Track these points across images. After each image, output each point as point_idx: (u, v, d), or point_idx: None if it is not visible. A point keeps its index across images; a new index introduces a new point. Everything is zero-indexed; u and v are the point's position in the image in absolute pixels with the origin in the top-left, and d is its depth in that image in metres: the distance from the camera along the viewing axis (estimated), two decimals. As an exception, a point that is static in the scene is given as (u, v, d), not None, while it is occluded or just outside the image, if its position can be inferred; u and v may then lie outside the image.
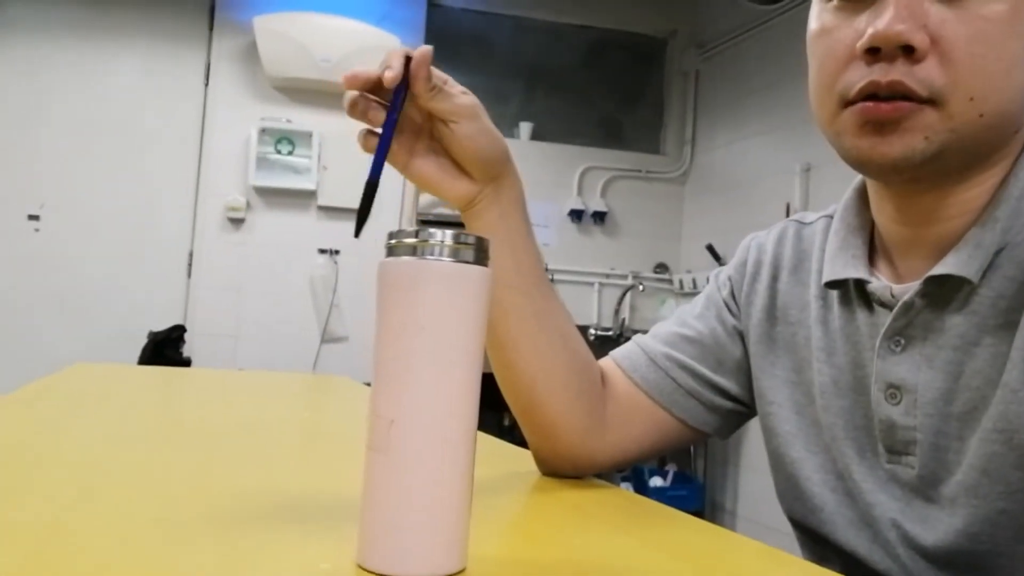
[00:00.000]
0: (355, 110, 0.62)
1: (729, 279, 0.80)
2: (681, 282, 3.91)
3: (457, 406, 0.41)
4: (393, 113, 0.60)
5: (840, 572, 0.68)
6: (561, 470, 0.76)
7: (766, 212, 3.28)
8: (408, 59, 0.60)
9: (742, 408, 0.78)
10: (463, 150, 0.65)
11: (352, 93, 0.61)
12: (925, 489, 0.61)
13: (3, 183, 3.47)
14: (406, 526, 0.40)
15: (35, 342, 3.43)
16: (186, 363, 3.47)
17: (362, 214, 0.59)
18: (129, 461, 0.71)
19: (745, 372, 0.77)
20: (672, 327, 0.80)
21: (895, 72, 0.55)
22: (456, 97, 0.63)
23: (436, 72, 0.62)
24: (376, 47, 3.59)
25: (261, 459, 0.79)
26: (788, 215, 0.71)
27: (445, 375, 0.41)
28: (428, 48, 0.60)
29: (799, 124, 3.22)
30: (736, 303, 0.78)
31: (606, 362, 0.80)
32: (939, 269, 0.59)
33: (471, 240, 0.43)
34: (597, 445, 0.75)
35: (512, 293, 0.69)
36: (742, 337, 0.77)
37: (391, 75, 0.59)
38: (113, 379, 1.43)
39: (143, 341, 3.41)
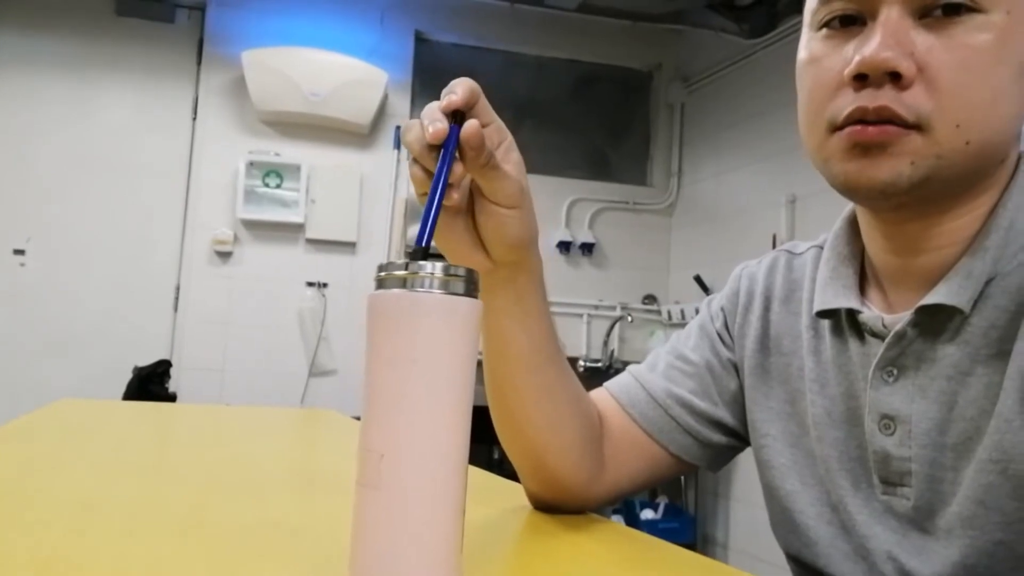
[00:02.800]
0: (418, 168, 0.53)
1: (722, 310, 0.79)
2: (670, 313, 3.91)
3: (448, 439, 0.41)
4: (440, 172, 0.50)
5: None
6: (555, 508, 0.75)
7: (753, 243, 3.30)
8: (460, 116, 0.53)
9: (736, 442, 0.78)
10: (490, 229, 0.59)
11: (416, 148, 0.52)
12: (921, 521, 0.61)
13: (-12, 218, 3.46)
14: (397, 561, 0.40)
15: (20, 377, 3.39)
16: (171, 398, 3.43)
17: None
18: (118, 497, 0.69)
19: (740, 404, 0.77)
20: (669, 359, 0.79)
21: (883, 98, 0.55)
22: (505, 179, 0.57)
23: (492, 135, 0.56)
24: (364, 81, 3.61)
25: (250, 494, 0.77)
26: (775, 246, 0.71)
27: (436, 408, 0.41)
28: (475, 124, 0.52)
29: (784, 155, 3.25)
30: (730, 335, 0.78)
31: (601, 393, 0.79)
32: (930, 299, 0.59)
33: (461, 272, 0.43)
34: (595, 487, 0.74)
35: (525, 371, 0.67)
36: (736, 369, 0.77)
37: (435, 131, 0.51)
38: (98, 415, 1.41)
39: (129, 376, 3.38)
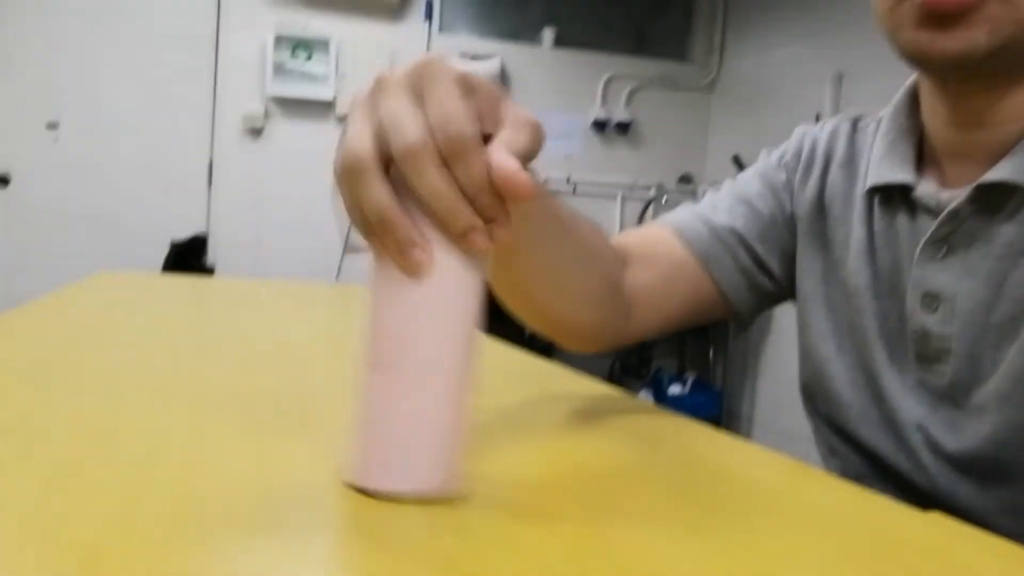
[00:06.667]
0: None
1: (785, 166, 0.78)
2: (706, 193, 3.86)
3: (462, 317, 0.40)
4: None
5: (858, 468, 0.69)
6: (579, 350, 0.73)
7: (795, 122, 3.17)
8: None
9: (778, 295, 0.78)
10: None
11: None
12: (955, 396, 0.61)
13: (20, 93, 3.45)
14: (406, 442, 0.40)
15: (56, 252, 3.47)
16: (209, 271, 3.50)
17: None
18: (155, 369, 0.71)
19: (791, 259, 0.76)
20: (731, 201, 0.77)
21: None
22: None
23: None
24: (394, -52, 3.47)
25: (283, 367, 0.79)
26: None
27: (451, 285, 0.40)
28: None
29: (833, 30, 3.10)
30: (791, 191, 0.77)
31: (658, 230, 0.76)
32: (992, 175, 0.57)
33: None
34: (620, 333, 0.72)
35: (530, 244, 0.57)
36: (795, 224, 0.76)
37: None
38: (137, 288, 1.44)
39: (165, 250, 3.44)
